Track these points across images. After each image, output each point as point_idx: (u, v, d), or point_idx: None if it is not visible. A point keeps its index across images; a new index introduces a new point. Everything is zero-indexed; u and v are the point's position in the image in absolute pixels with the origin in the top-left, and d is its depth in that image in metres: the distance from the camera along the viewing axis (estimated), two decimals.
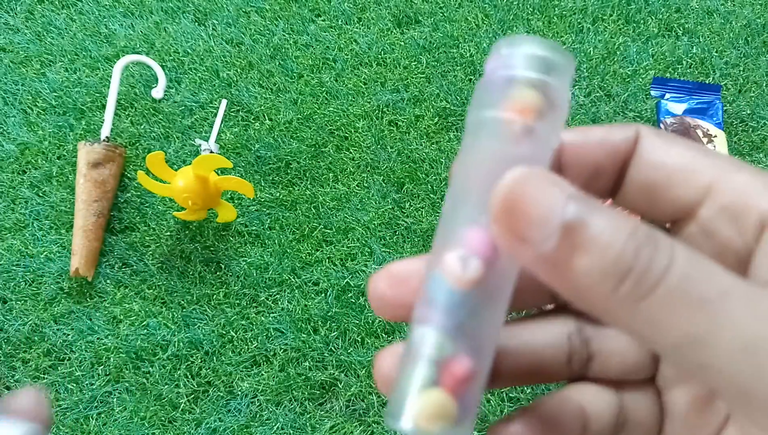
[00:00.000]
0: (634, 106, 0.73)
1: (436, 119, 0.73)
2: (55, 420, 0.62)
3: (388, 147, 0.71)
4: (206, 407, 0.60)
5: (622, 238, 0.15)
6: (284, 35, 0.77)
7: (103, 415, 0.60)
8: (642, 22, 0.77)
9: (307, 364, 0.62)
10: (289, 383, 0.61)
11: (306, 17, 0.78)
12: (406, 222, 0.67)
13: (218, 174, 0.68)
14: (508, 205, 0.16)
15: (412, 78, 0.75)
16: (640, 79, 0.74)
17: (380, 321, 0.63)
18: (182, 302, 0.65)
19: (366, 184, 0.69)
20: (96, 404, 0.61)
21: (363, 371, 0.61)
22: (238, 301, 0.65)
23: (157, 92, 0.70)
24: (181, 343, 0.63)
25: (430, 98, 0.74)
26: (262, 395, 0.61)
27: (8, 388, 0.63)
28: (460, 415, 0.18)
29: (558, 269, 0.16)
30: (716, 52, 0.76)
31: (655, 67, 0.75)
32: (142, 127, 0.72)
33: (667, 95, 0.73)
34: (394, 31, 0.78)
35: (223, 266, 0.66)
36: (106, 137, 0.69)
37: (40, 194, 0.69)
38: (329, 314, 0.64)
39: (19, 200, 0.69)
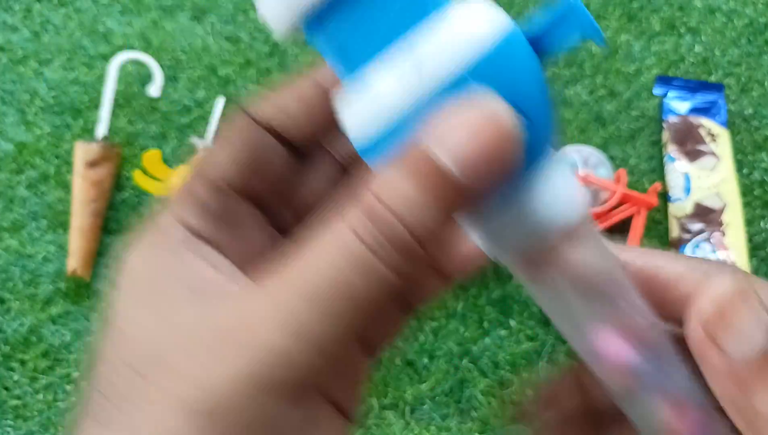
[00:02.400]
0: (638, 104, 0.73)
1: None
2: (53, 421, 0.62)
3: None
4: None
5: None
6: None
7: None
8: (644, 19, 0.76)
9: None
10: None
11: None
12: None
13: None
14: (720, 313, 0.16)
15: None
16: (643, 78, 0.74)
17: None
18: None
19: None
20: None
21: None
22: None
23: (154, 90, 0.70)
24: None
25: None
26: None
27: (6, 389, 0.63)
28: None
29: (742, 390, 0.16)
30: (719, 50, 0.75)
31: (658, 66, 0.74)
32: (139, 125, 0.72)
33: (671, 94, 0.72)
34: None
35: None
36: (104, 136, 0.69)
37: (38, 194, 0.69)
38: None
39: (17, 200, 0.69)
